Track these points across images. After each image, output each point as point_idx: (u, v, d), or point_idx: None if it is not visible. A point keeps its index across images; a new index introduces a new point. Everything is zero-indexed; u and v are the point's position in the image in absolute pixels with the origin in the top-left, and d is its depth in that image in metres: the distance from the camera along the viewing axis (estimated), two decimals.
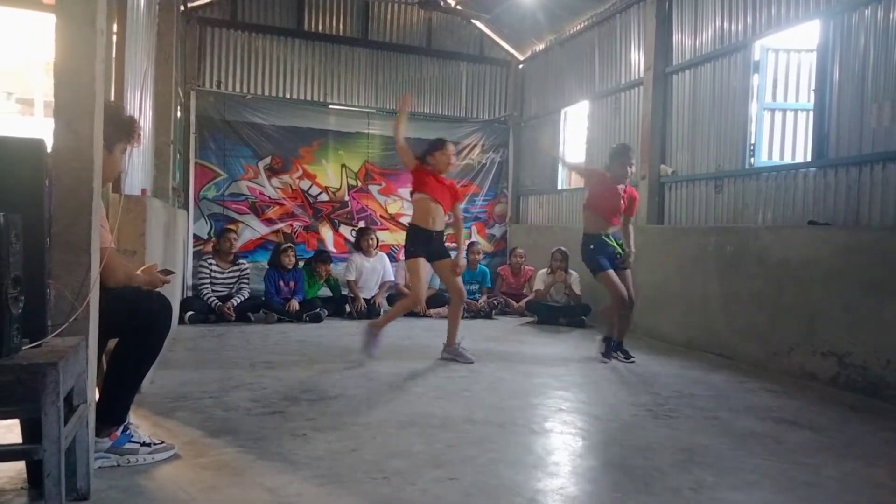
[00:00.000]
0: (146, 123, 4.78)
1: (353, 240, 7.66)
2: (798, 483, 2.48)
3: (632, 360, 4.74)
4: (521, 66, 9.21)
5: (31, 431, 2.03)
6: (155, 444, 2.49)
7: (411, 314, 6.91)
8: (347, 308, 6.82)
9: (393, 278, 7.13)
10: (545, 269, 6.92)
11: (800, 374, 4.38)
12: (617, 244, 4.80)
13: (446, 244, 4.85)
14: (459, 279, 4.75)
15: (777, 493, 2.38)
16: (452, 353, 4.70)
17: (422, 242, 4.65)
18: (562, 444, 2.91)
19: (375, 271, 7.02)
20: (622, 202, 4.77)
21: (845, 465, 2.71)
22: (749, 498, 2.32)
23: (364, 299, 6.78)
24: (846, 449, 2.92)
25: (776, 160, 5.54)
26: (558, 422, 3.24)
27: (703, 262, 5.33)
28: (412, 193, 4.76)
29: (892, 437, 3.15)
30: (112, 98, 3.50)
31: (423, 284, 4.75)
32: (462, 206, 8.72)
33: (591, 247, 4.74)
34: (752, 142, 5.43)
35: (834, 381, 4.14)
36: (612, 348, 4.79)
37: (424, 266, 4.67)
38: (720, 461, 2.70)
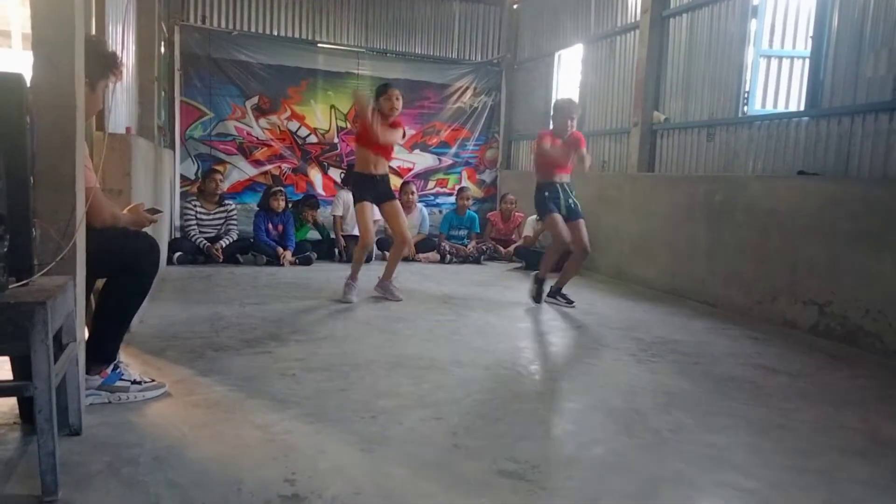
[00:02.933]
0: (129, 59, 4.65)
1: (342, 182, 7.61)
2: (773, 426, 2.57)
3: (573, 304, 4.85)
4: (515, 7, 8.97)
5: (22, 369, 2.05)
6: (146, 382, 2.53)
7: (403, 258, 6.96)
8: (337, 251, 6.83)
9: (381, 218, 7.11)
10: (534, 216, 6.91)
11: (781, 322, 4.47)
12: (570, 196, 4.86)
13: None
14: (405, 224, 4.89)
15: (752, 435, 2.47)
16: (383, 290, 4.84)
17: (367, 188, 4.79)
18: (546, 386, 2.98)
19: None
20: (569, 154, 4.78)
21: (819, 409, 2.80)
22: (725, 440, 2.41)
23: (351, 236, 6.74)
24: (821, 394, 3.02)
25: (770, 108, 5.50)
26: (543, 365, 3.31)
27: (691, 210, 5.35)
28: (357, 143, 4.92)
29: (865, 384, 3.25)
30: (93, 32, 3.39)
31: (371, 227, 4.86)
32: (453, 150, 8.73)
33: (546, 193, 4.84)
34: (747, 89, 5.37)
35: (814, 329, 4.23)
36: (552, 293, 4.93)
37: (370, 209, 4.79)
38: (699, 404, 2.78)
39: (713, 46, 5.62)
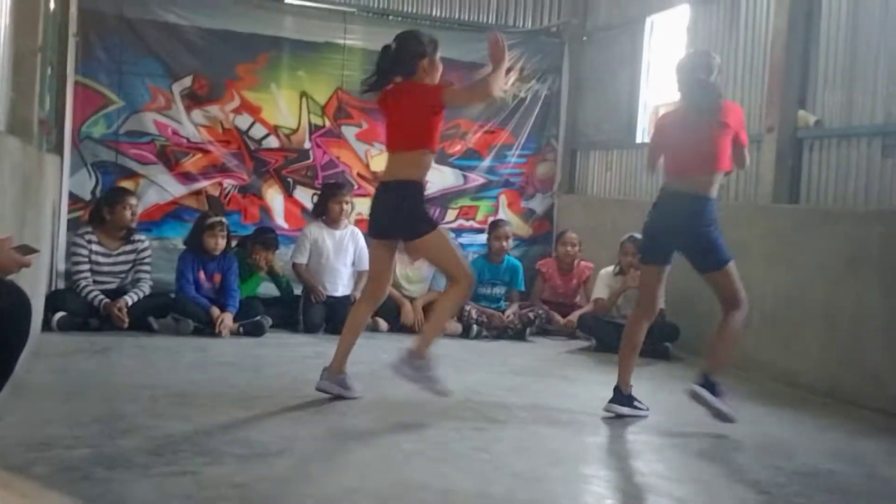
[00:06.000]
0: (1, 20, 4.79)
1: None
2: None
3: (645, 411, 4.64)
4: None
5: None
6: None
7: (403, 328, 6.94)
8: (302, 318, 6.77)
9: (368, 268, 7.13)
10: (611, 268, 6.91)
11: None
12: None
13: None
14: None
15: None
16: (338, 384, 4.56)
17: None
18: None
19: (344, 251, 7.04)
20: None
21: None
22: None
23: (330, 296, 6.77)
24: None
25: None
26: None
27: (859, 264, 5.31)
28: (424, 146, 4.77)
29: None
30: None
31: (462, 256, 4.75)
32: (486, 163, 8.75)
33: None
34: None
35: None
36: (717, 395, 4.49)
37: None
38: None
39: (892, 12, 5.65)
